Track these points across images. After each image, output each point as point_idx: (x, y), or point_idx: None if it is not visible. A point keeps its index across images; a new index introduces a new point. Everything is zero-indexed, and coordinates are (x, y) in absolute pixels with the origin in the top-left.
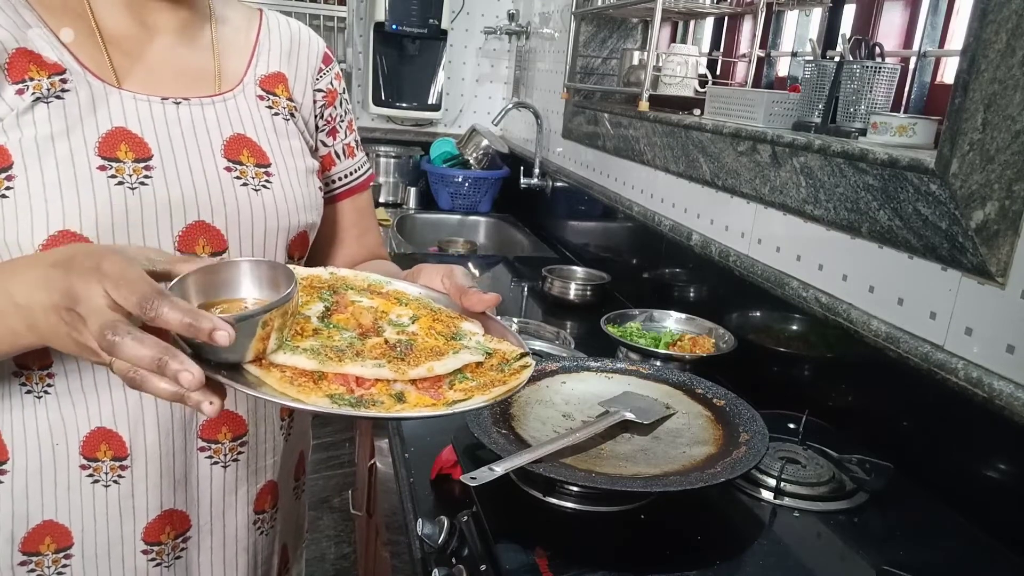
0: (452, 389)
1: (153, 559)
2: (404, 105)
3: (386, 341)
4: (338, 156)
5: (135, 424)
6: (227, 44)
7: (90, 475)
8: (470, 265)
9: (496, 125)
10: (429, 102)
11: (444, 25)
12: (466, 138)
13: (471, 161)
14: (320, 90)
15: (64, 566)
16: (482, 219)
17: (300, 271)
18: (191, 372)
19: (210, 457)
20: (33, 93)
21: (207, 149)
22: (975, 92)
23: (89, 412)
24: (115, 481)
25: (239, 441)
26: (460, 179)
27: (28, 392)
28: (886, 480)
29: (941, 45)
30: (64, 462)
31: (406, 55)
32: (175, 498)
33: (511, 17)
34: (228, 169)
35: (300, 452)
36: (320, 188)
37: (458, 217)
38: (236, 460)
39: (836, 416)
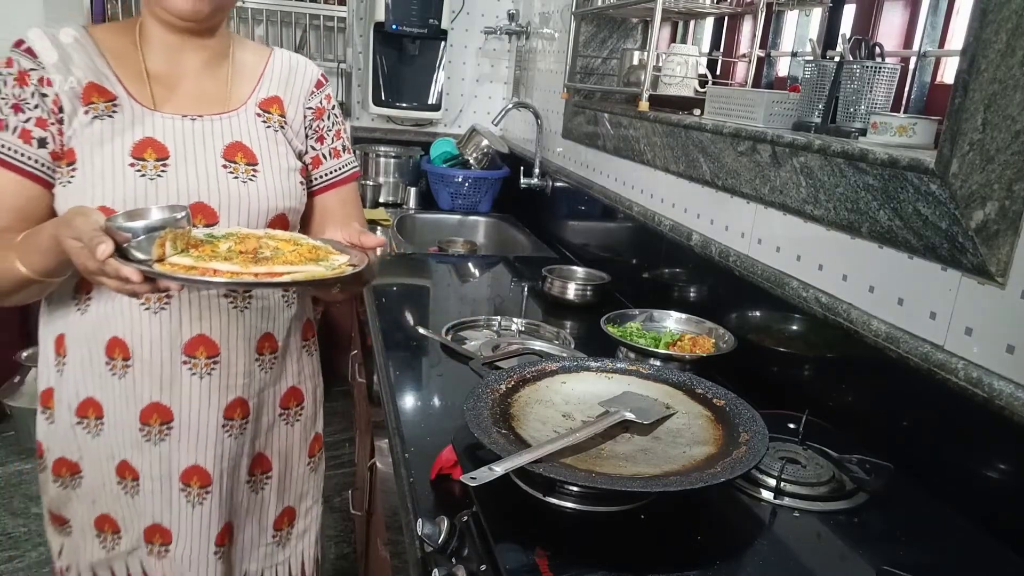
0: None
1: (145, 436)
2: (404, 105)
3: (254, 253)
4: (325, 158)
5: (138, 337)
6: (238, 76)
7: (111, 369)
8: (470, 265)
9: (496, 125)
10: (429, 102)
11: (444, 25)
12: (466, 138)
13: (471, 161)
14: (311, 108)
15: (98, 426)
16: (482, 219)
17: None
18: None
19: (191, 369)
20: (93, 114)
21: (211, 152)
22: (975, 92)
23: (111, 324)
24: (123, 372)
25: (213, 360)
26: (460, 179)
27: (77, 308)
28: (886, 480)
29: (941, 45)
30: (99, 357)
31: (406, 55)
32: (162, 394)
33: (511, 17)
34: (224, 167)
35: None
36: (301, 183)
37: (458, 217)
38: (210, 374)
39: (836, 416)
